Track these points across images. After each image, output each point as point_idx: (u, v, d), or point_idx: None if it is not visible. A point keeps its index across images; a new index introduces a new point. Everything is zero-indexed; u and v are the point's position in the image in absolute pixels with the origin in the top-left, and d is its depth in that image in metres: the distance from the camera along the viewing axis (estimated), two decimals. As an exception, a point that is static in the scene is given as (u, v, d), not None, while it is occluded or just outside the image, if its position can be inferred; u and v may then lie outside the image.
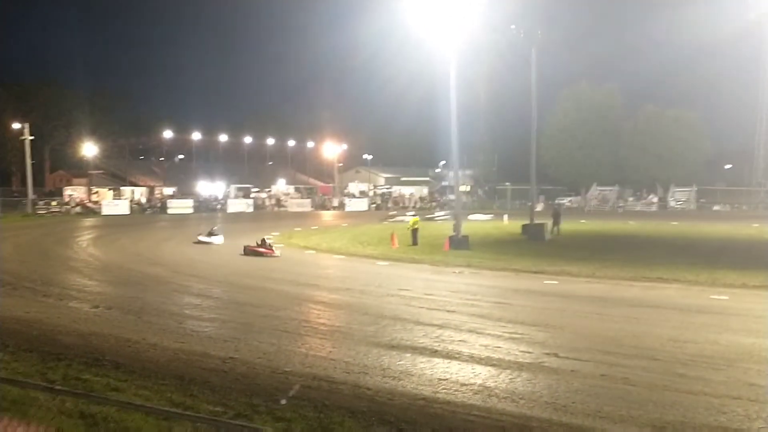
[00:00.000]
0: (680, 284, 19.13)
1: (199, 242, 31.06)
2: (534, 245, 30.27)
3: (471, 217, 48.40)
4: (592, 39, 70.23)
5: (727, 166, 77.85)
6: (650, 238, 35.24)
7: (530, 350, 11.33)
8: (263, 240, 27.10)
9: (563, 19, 62.51)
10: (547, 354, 10.96)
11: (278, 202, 69.15)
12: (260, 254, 25.91)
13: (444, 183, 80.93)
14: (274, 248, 26.62)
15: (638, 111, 74.04)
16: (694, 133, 71.03)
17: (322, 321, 14.62)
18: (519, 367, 10.26)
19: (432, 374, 9.90)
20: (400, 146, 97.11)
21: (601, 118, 72.81)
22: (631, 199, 68.24)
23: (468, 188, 78.76)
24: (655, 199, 66.00)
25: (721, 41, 58.82)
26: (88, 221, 49.06)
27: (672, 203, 64.96)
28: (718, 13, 51.89)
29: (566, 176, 74.36)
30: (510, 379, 9.68)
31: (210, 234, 31.87)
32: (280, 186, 77.22)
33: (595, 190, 70.07)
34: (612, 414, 8.24)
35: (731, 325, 13.57)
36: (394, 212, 55.65)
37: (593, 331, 13.15)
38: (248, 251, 26.52)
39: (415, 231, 30.38)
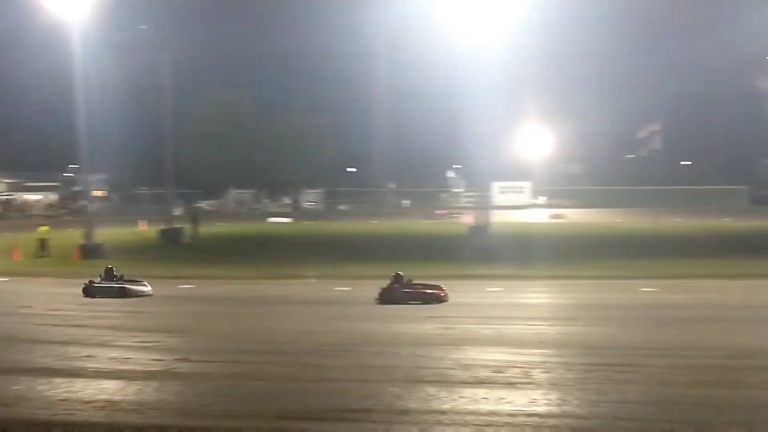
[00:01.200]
0: (309, 279, 20.51)
1: (122, 292, 17.68)
2: (172, 250, 29.88)
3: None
4: (230, 47, 71.25)
5: (351, 169, 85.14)
6: (284, 237, 37.08)
7: (161, 358, 11.16)
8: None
9: (202, 25, 62.32)
10: (179, 360, 10.89)
11: None
12: (432, 298, 16.19)
13: (76, 188, 75.04)
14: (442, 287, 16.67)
15: (272, 117, 77.28)
16: (322, 138, 76.42)
17: None
18: (148, 376, 10.02)
19: (52, 396, 9.15)
20: (24, 148, 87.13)
21: (237, 123, 74.35)
22: (266, 201, 70.97)
23: (104, 193, 74.28)
24: (289, 201, 69.73)
25: (342, 54, 64.77)
26: None
27: (304, 204, 69.14)
28: (347, 27, 56.90)
29: (205, 180, 74.41)
30: (138, 390, 9.40)
31: (131, 279, 18.46)
32: None
33: (232, 194, 71.57)
34: (239, 411, 8.47)
35: (351, 313, 15.04)
36: None
37: (226, 332, 13.48)
38: (391, 296, 16.20)
39: (43, 241, 27.81)
